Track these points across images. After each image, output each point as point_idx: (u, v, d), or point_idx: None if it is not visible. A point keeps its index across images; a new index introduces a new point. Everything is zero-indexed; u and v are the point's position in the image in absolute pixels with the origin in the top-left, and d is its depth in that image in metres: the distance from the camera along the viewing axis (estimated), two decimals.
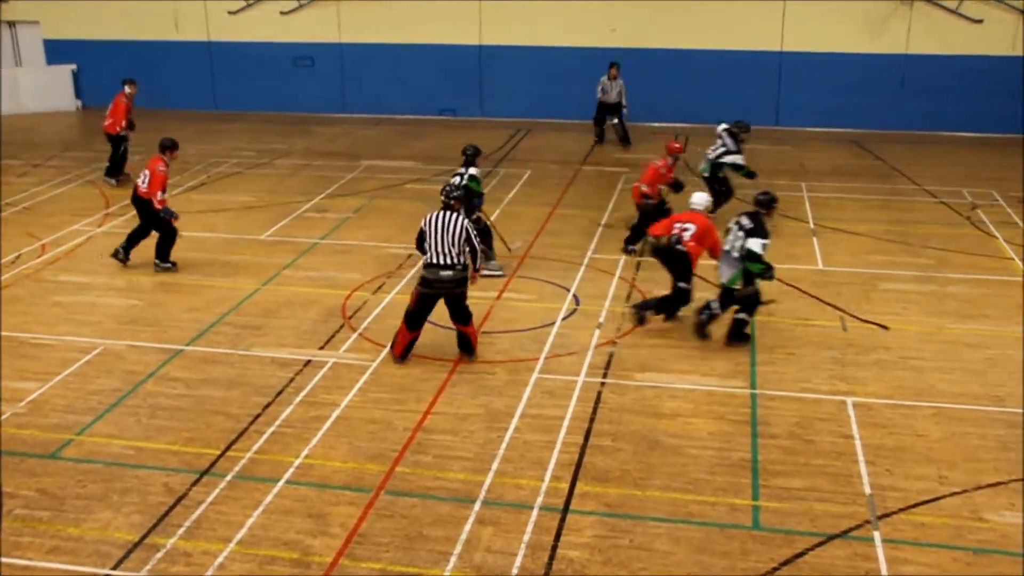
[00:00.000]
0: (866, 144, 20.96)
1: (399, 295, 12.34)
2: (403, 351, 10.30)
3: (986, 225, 15.16)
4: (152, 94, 18.36)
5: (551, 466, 8.47)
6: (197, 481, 8.24)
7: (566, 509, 7.86)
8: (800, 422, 9.23)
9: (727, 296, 10.93)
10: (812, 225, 15.22)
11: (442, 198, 10.12)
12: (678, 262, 11.20)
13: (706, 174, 15.75)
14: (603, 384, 9.99)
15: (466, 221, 9.86)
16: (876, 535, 7.54)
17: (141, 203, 13.26)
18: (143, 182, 13.14)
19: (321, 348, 10.84)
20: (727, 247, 10.87)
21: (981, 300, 12.21)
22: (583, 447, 8.79)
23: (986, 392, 9.83)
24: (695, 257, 11.23)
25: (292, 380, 10.06)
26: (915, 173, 18.41)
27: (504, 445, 8.80)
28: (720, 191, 15.49)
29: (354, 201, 16.74)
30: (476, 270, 10.16)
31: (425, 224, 9.90)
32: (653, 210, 13.77)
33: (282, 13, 24.30)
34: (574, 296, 12.38)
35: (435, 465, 8.50)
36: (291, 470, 8.40)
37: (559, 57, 23.06)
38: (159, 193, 13.05)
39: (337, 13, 24.03)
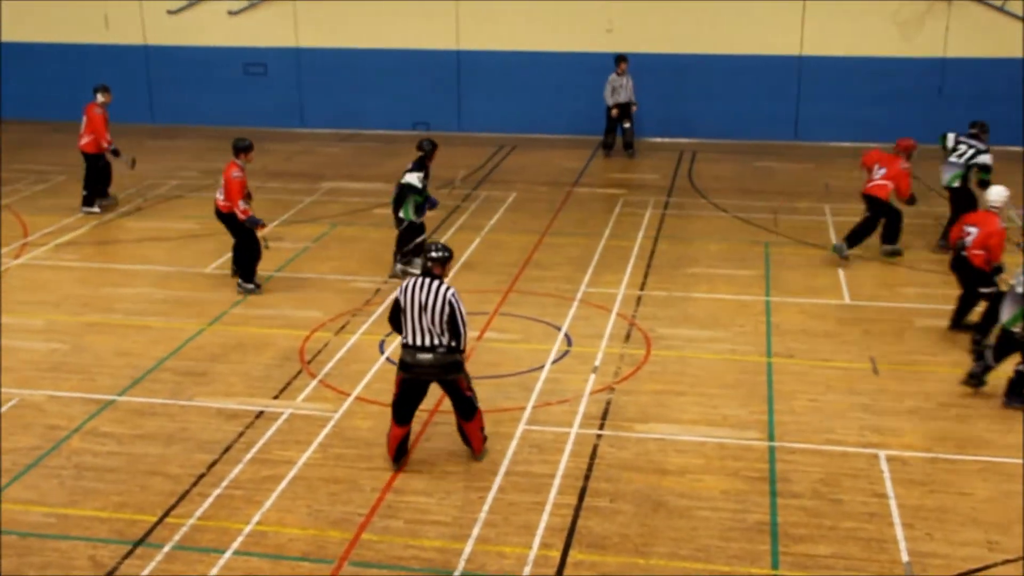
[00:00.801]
0: None
1: (366, 335, 12.36)
2: (396, 451, 9.36)
3: None
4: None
5: (540, 531, 8.46)
6: (130, 553, 8.19)
7: None
8: (825, 479, 9.25)
9: (1007, 341, 10.68)
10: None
11: (425, 262, 9.10)
12: (964, 271, 12.14)
13: (956, 184, 15.91)
14: (599, 436, 10.00)
15: (452, 293, 8.91)
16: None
17: (225, 217, 13.82)
18: (220, 195, 13.69)
19: (275, 397, 10.83)
20: (1013, 280, 10.79)
21: None
22: (577, 509, 8.78)
23: None
24: (981, 263, 11.98)
25: (242, 434, 10.04)
26: None
27: (486, 507, 8.79)
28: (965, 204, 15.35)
29: (314, 229, 16.79)
30: (460, 351, 9.12)
31: (402, 293, 9.00)
32: (889, 212, 15.14)
33: (230, 13, 24.46)
34: (566, 336, 12.42)
35: (407, 531, 8.48)
36: (240, 538, 8.36)
37: (548, 63, 23.25)
38: (240, 203, 13.52)
39: (293, 13, 24.20)
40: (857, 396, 10.85)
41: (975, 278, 12.13)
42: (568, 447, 9.79)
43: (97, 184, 17.75)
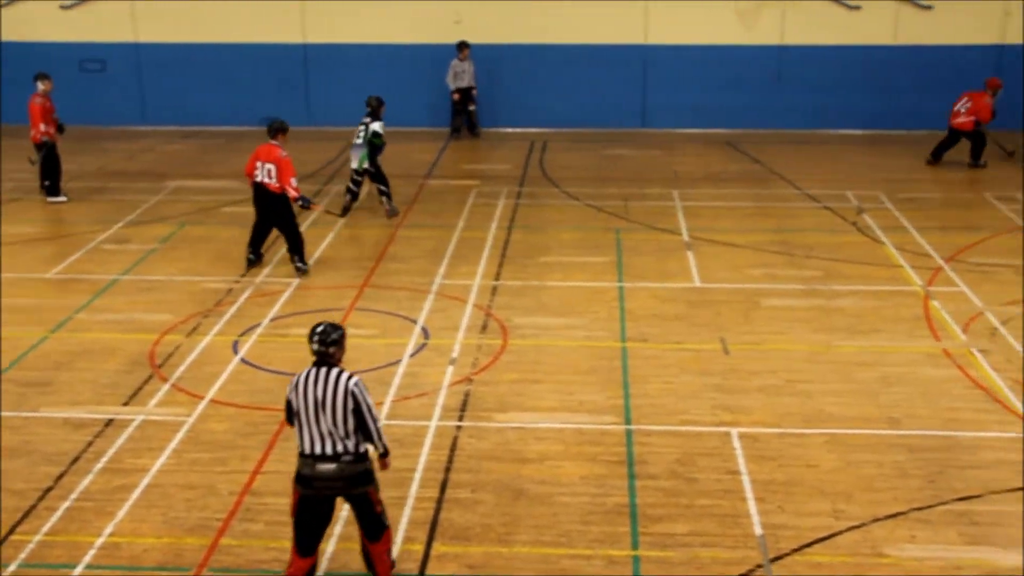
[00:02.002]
0: (742, 146, 21.78)
1: (219, 336, 12.14)
2: None
3: (873, 231, 15.95)
4: None
5: (403, 526, 8.45)
6: None
7: (422, 574, 7.86)
8: (681, 459, 9.48)
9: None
10: (687, 238, 15.70)
11: (314, 347, 7.39)
12: None
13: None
14: (459, 428, 10.04)
15: (355, 383, 7.34)
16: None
17: (267, 199, 14.06)
18: (269, 176, 13.92)
19: (125, 404, 10.55)
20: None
21: (872, 314, 12.82)
22: (439, 502, 8.80)
23: (881, 414, 10.32)
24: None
25: (90, 444, 9.75)
26: (796, 176, 19.23)
27: (347, 506, 8.73)
28: None
29: (161, 229, 16.39)
30: (383, 455, 7.64)
31: (293, 391, 7.40)
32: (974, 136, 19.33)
33: (63, 7, 23.63)
34: (423, 329, 12.42)
35: (267, 534, 8.37)
36: (92, 552, 8.12)
37: (397, 55, 23.15)
38: (292, 180, 13.93)
39: (131, 8, 23.52)
40: (709, 377, 11.14)
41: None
42: (428, 440, 9.80)
43: (54, 173, 17.82)
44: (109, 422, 10.16)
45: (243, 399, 10.59)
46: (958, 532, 8.39)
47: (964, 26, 22.25)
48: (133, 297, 13.49)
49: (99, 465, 9.37)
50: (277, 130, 14.23)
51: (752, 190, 18.45)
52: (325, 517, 7.49)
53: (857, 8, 22.43)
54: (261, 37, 23.42)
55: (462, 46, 22.06)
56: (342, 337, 7.43)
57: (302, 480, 7.41)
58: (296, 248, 14.29)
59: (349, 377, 7.33)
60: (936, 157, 20.16)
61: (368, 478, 7.46)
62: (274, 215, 14.18)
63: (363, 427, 7.35)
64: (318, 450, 7.32)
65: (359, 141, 16.72)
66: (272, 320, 12.70)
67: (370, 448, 7.47)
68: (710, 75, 22.92)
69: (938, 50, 22.38)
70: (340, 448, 7.31)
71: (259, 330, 12.39)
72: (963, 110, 19.63)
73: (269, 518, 8.56)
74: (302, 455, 7.39)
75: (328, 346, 7.35)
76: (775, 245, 15.39)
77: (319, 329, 7.40)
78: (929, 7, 22.29)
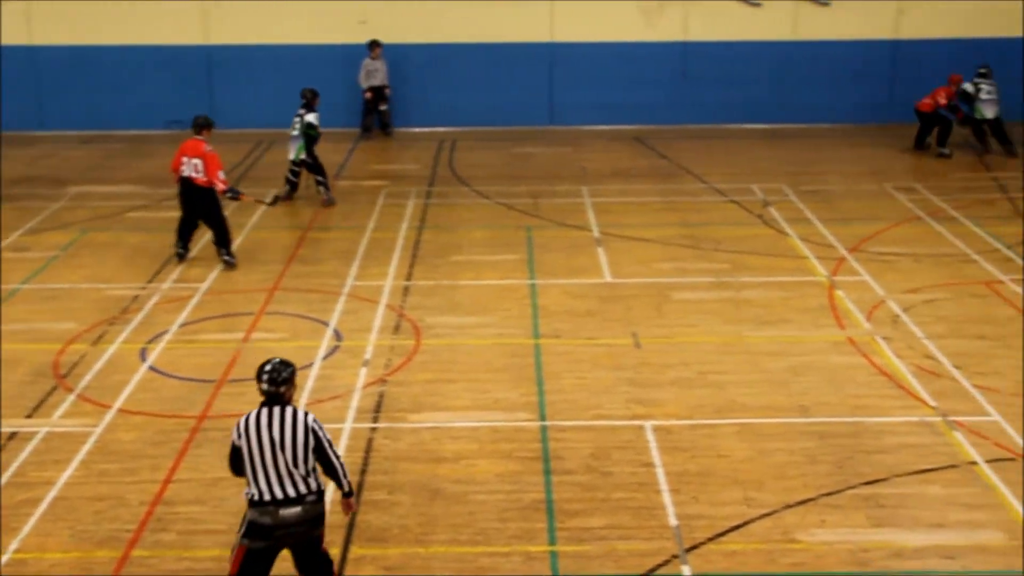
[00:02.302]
0: (649, 141, 22.00)
1: (126, 344, 11.91)
2: None
3: (779, 223, 16.23)
4: None
5: None
6: None
7: None
8: (596, 453, 9.55)
9: None
10: (597, 234, 15.82)
11: (264, 387, 6.92)
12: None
13: (990, 115, 20.43)
14: (374, 430, 9.99)
15: (313, 419, 6.95)
16: (685, 569, 7.91)
17: (197, 194, 14.20)
18: (196, 171, 14.08)
19: (29, 416, 10.28)
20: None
21: (779, 304, 13.05)
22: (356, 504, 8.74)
23: (790, 403, 10.51)
24: None
25: None
26: (703, 171, 19.48)
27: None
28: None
29: (62, 236, 16.01)
30: (347, 494, 7.21)
31: (240, 435, 6.87)
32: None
33: None
34: (335, 331, 12.32)
35: (180, 543, 8.23)
36: None
37: (302, 55, 22.91)
38: (220, 173, 14.20)
39: (26, 8, 22.92)
40: (622, 371, 11.24)
41: None
42: (343, 443, 9.72)
43: None
44: (12, 435, 9.90)
45: (152, 407, 10.40)
46: (865, 515, 8.58)
47: (860, 22, 22.76)
48: (35, 306, 13.17)
49: (2, 480, 9.12)
50: (202, 126, 14.53)
51: (660, 185, 18.64)
52: (271, 566, 6.98)
53: (758, 5, 22.81)
54: (162, 39, 23.00)
55: (373, 44, 22.03)
56: (293, 374, 6.98)
57: (259, 531, 6.83)
58: (223, 241, 14.46)
59: (306, 414, 6.95)
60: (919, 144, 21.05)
61: (323, 520, 7.07)
62: (201, 209, 14.35)
63: (327, 465, 6.97)
64: (279, 494, 6.80)
65: (295, 133, 17.32)
66: (181, 326, 12.49)
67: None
68: (616, 72, 23.11)
69: (836, 45, 22.86)
70: (303, 489, 6.85)
71: (167, 337, 12.19)
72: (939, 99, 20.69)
73: (181, 527, 8.42)
74: (258, 503, 6.82)
75: (280, 385, 6.89)
76: (684, 239, 15.57)
77: (268, 368, 6.92)
78: (826, 4, 22.76)
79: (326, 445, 6.94)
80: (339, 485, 7.10)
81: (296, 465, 6.82)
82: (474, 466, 9.35)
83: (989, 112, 20.45)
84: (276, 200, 16.38)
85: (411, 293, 13.50)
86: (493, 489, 8.98)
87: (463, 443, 9.76)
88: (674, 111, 23.38)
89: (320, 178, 17.45)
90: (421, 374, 11.18)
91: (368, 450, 9.61)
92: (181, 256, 14.62)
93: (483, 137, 22.49)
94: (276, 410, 6.89)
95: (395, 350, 11.79)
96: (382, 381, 11.01)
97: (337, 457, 7.01)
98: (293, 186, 17.67)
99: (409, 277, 14.07)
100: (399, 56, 22.60)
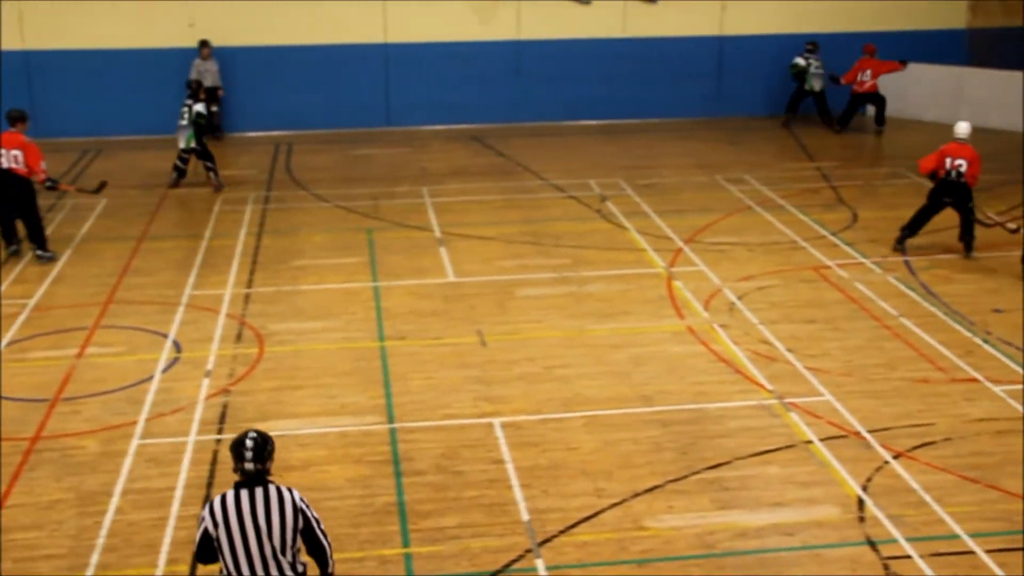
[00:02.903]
0: (487, 140, 22.13)
1: None
2: None
3: (617, 217, 16.53)
4: None
5: (165, 547, 8.17)
6: None
7: None
8: (446, 453, 9.56)
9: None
10: (438, 234, 15.82)
11: (246, 465, 6.14)
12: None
13: (818, 88, 22.31)
14: (219, 441, 9.77)
15: (300, 498, 6.24)
16: (539, 563, 7.99)
17: (11, 185, 14.15)
18: (15, 162, 14.14)
19: None
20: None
21: (620, 297, 13.29)
22: None
23: (634, 393, 10.73)
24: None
25: None
26: (541, 168, 19.69)
27: (104, 532, 8.36)
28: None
29: None
30: None
31: (217, 523, 6.07)
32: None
33: None
34: (174, 342, 12.01)
35: (16, 571, 7.90)
36: None
37: (129, 60, 22.21)
38: (42, 163, 14.34)
39: None
40: (469, 369, 11.27)
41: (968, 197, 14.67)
42: (187, 456, 9.49)
43: None
44: None
45: None
46: (710, 499, 8.83)
47: (686, 19, 23.37)
48: None
49: None
50: (16, 119, 14.65)
51: (499, 183, 18.77)
52: None
53: (587, 3, 23.17)
54: None
55: (203, 45, 21.61)
56: (274, 447, 6.25)
57: None
58: (37, 236, 14.46)
59: (291, 491, 6.20)
60: (843, 124, 22.36)
61: None
62: (18, 201, 14.31)
63: (314, 547, 6.26)
64: None
65: (184, 122, 18.02)
66: (9, 344, 11.97)
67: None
68: (452, 71, 23.16)
69: (664, 42, 23.42)
70: (289, 573, 6.18)
71: None
72: (867, 78, 21.97)
73: (17, 555, 8.08)
74: None
75: (264, 461, 6.13)
76: (525, 236, 15.71)
77: (248, 444, 6.11)
78: (654, 1, 23.28)
79: (315, 526, 6.24)
80: (323, 569, 6.35)
81: (284, 552, 6.11)
82: (324, 472, 9.25)
83: (817, 85, 22.22)
84: (102, 186, 16.16)
85: (252, 300, 13.26)
86: (344, 495, 8.90)
87: (312, 450, 9.64)
88: (510, 109, 23.57)
89: (209, 164, 18.27)
90: (266, 382, 10.99)
91: (214, 462, 9.40)
92: (15, 252, 14.57)
93: (320, 140, 22.23)
94: (259, 491, 6.08)
95: (238, 359, 11.55)
96: (226, 391, 10.78)
97: (325, 537, 6.31)
98: (181, 173, 18.48)
99: (250, 284, 13.81)
100: (230, 59, 22.14)
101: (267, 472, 6.16)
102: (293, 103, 22.83)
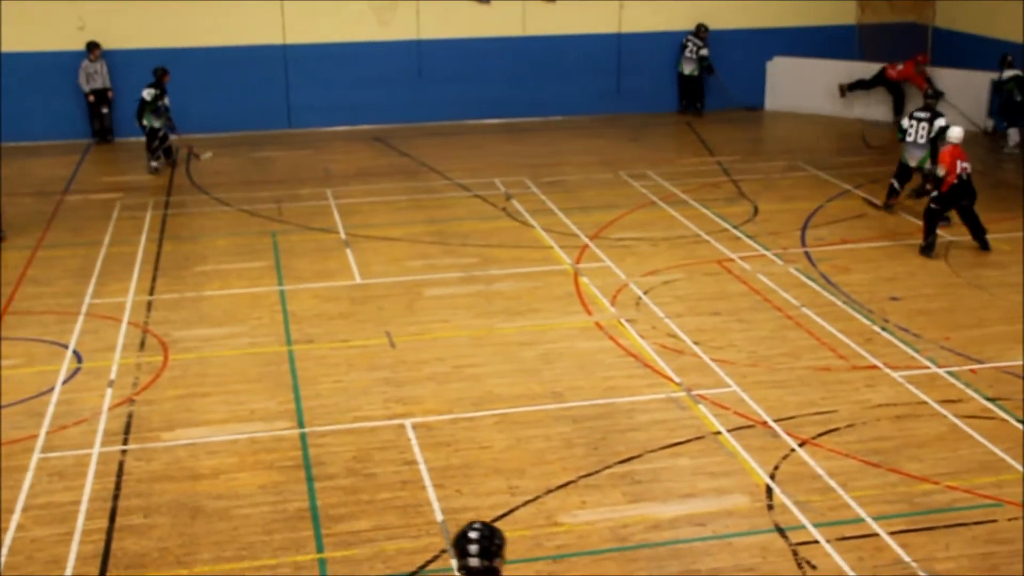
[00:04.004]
0: (390, 140, 22.01)
1: None
2: None
3: (522, 215, 16.58)
4: None
5: (71, 562, 7.99)
6: None
7: None
8: (358, 455, 9.51)
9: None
10: (344, 235, 15.71)
11: (471, 562, 5.34)
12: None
13: (696, 73, 23.04)
14: (124, 452, 9.58)
15: None
16: (455, 563, 7.96)
17: None
18: None
19: None
20: None
21: (528, 294, 13.35)
22: (109, 532, 8.38)
23: (545, 390, 10.78)
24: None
25: None
26: (445, 167, 19.66)
27: (5, 550, 8.14)
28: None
29: None
30: None
31: None
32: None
33: None
34: (75, 353, 11.73)
35: None
36: None
37: (15, 64, 21.57)
38: None
39: None
40: (379, 371, 11.22)
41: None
42: (92, 469, 9.28)
43: None
44: None
45: None
46: (622, 492, 8.92)
47: (585, 17, 23.53)
48: None
49: None
50: None
51: (404, 184, 18.69)
52: None
53: (487, 2, 23.19)
54: None
55: (92, 46, 21.13)
56: (503, 541, 5.41)
57: None
58: None
59: None
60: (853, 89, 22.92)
61: None
62: None
63: None
64: None
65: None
66: None
67: None
68: (352, 72, 22.97)
69: (564, 40, 23.55)
70: None
71: None
72: (899, 66, 22.23)
73: None
74: None
75: (491, 558, 5.33)
76: (431, 236, 15.68)
77: (472, 537, 5.32)
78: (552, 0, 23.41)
79: None
80: None
81: None
82: (235, 480, 9.12)
83: (687, 68, 23.24)
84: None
85: (155, 308, 13.01)
86: (256, 502, 8.79)
87: (221, 457, 9.50)
88: (412, 109, 23.48)
89: (154, 146, 19.31)
90: (172, 390, 10.81)
91: (120, 474, 9.22)
92: None
93: (220, 143, 21.86)
94: None
95: (142, 368, 11.34)
96: (130, 401, 10.57)
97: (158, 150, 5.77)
98: (167, 152, 19.79)
99: (152, 291, 13.56)
100: (124, 62, 21.66)
101: (496, 571, 5.38)
102: (190, 106, 22.37)
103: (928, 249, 14.53)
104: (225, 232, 16.02)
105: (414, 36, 23.23)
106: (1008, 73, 19.92)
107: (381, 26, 23.02)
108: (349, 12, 22.75)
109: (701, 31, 23.11)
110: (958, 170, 14.39)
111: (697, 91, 23.48)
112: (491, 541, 5.29)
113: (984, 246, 14.68)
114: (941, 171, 14.43)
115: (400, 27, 23.11)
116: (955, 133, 14.92)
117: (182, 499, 8.83)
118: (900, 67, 22.19)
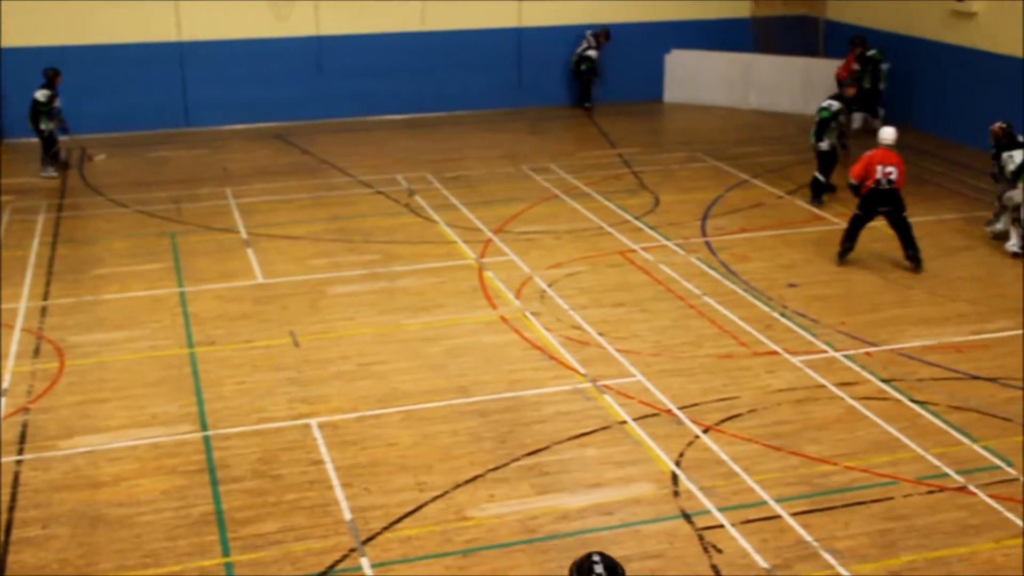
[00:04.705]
0: (291, 138, 21.76)
1: None
2: None
3: (426, 210, 16.53)
4: None
5: None
6: None
7: None
8: (264, 457, 9.39)
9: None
10: (245, 235, 15.49)
11: None
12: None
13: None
14: (20, 462, 9.33)
15: None
16: (364, 561, 7.94)
17: None
18: None
19: None
20: None
21: (433, 290, 13.31)
22: (5, 544, 8.16)
23: (451, 385, 10.77)
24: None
25: None
26: (347, 164, 19.50)
27: None
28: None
29: None
30: None
31: None
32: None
33: None
34: None
35: None
36: None
37: None
38: None
39: None
40: (283, 371, 11.10)
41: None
42: None
43: None
44: None
45: None
46: (530, 484, 8.95)
47: (486, 12, 23.54)
48: None
49: None
50: None
51: (305, 181, 18.50)
52: None
53: None
54: None
55: None
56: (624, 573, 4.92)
57: None
58: None
59: None
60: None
61: None
62: None
63: None
64: None
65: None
66: None
67: None
68: (251, 69, 22.65)
69: (464, 35, 23.54)
70: None
71: None
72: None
73: None
74: None
75: None
76: (334, 234, 15.55)
77: (599, 570, 4.82)
78: None
79: None
80: None
81: None
82: (137, 486, 8.95)
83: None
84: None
85: (50, 313, 12.69)
86: (159, 507, 8.64)
87: (122, 464, 9.31)
88: (313, 106, 23.24)
89: (53, 151, 18.87)
90: (69, 397, 10.55)
91: (15, 484, 8.98)
92: None
93: (115, 143, 21.39)
94: None
95: (37, 375, 11.05)
96: (25, 410, 10.29)
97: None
98: (55, 156, 19.07)
99: (46, 296, 13.22)
100: (11, 60, 21.06)
101: None
102: (83, 105, 21.86)
103: (840, 255, 13.99)
104: (122, 234, 15.68)
105: (313, 32, 22.99)
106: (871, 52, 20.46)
107: (279, 22, 22.75)
108: (246, 8, 22.43)
109: (600, 36, 23.12)
110: (878, 175, 13.58)
111: (585, 89, 23.55)
112: (614, 572, 4.87)
113: (916, 265, 13.77)
114: (853, 181, 13.91)
115: (299, 23, 22.86)
116: (885, 135, 14.01)
117: (82, 508, 8.64)
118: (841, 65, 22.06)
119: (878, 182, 13.61)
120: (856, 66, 20.64)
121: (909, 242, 13.81)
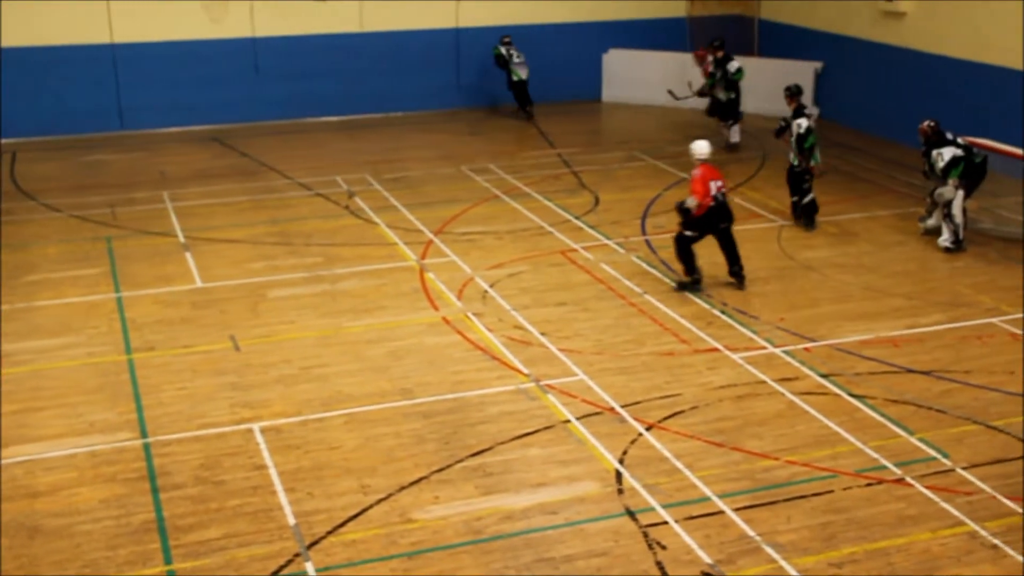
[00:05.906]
0: (228, 140, 21.54)
1: None
2: None
3: (366, 212, 16.45)
4: None
5: None
6: None
7: None
8: (205, 463, 9.29)
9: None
10: (183, 239, 15.30)
11: None
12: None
13: (524, 76, 22.44)
14: None
15: None
16: (309, 566, 7.88)
17: None
18: None
19: None
20: None
21: (375, 292, 13.25)
22: None
23: (394, 387, 10.73)
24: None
25: None
26: (286, 166, 19.35)
27: None
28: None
29: None
30: None
31: None
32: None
33: None
34: None
35: None
36: None
37: None
38: None
39: None
40: (224, 376, 10.98)
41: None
42: None
43: None
44: None
45: None
46: (475, 485, 8.94)
47: (423, 13, 23.48)
48: None
49: None
50: None
51: (243, 184, 18.32)
52: None
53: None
54: None
55: None
56: None
57: None
58: None
59: None
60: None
61: None
62: None
63: None
64: None
65: None
66: None
67: None
68: (186, 71, 22.38)
69: (402, 35, 23.46)
70: None
71: None
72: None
73: None
74: None
75: None
76: (273, 236, 15.42)
77: None
78: None
79: None
80: None
81: None
82: (75, 495, 8.80)
83: (523, 73, 22.46)
84: None
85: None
86: (98, 516, 8.50)
87: (60, 473, 9.15)
88: (250, 108, 23.04)
89: None
90: (4, 406, 10.35)
91: None
92: None
93: (47, 147, 21.03)
94: None
95: None
96: None
97: None
98: None
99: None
100: None
101: None
102: (13, 109, 21.48)
103: (691, 285, 13.09)
104: (56, 239, 15.42)
105: (249, 34, 22.78)
106: (733, 65, 19.78)
107: (213, 24, 22.51)
108: (179, 10, 22.16)
109: (510, 40, 22.76)
110: (712, 191, 12.98)
111: (527, 94, 22.92)
112: None
113: (740, 282, 13.30)
114: (692, 202, 12.97)
115: (234, 25, 22.64)
116: (701, 149, 13.37)
117: (19, 519, 8.48)
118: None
119: (715, 198, 12.99)
120: (712, 69, 20.08)
121: (735, 258, 13.32)
